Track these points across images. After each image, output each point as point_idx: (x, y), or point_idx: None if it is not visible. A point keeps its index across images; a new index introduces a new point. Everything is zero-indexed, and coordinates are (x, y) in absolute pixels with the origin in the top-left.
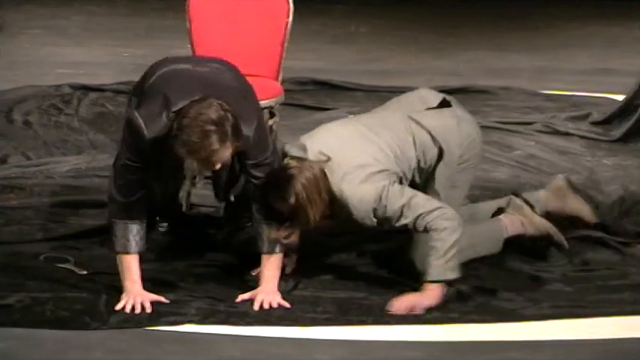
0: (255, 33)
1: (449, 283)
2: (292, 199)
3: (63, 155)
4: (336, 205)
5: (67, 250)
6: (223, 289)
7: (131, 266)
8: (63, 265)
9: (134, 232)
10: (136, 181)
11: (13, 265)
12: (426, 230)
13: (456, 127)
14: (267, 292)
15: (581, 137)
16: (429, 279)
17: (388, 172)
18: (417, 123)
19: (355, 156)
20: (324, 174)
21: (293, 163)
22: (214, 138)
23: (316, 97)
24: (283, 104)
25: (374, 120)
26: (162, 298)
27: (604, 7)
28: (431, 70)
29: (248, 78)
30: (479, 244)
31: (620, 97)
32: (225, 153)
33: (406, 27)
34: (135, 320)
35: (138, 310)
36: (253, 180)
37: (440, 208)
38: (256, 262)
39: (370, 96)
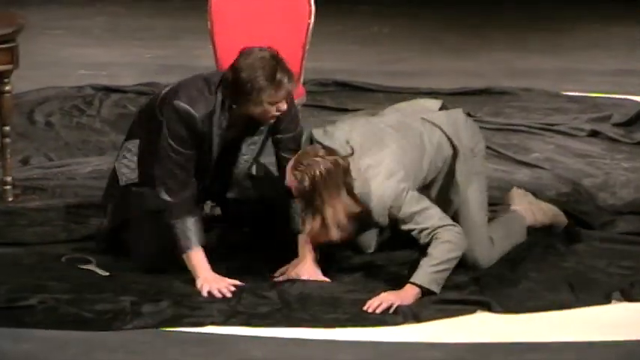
0: (277, 34)
1: (423, 294)
2: (307, 183)
3: (85, 156)
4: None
5: (88, 252)
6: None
7: (199, 259)
8: (85, 267)
9: (191, 228)
10: (185, 176)
11: (35, 267)
12: (428, 244)
13: (464, 121)
14: (306, 270)
15: (603, 139)
16: (416, 281)
17: (407, 175)
18: (431, 123)
19: (379, 153)
20: (348, 169)
21: (321, 151)
22: (280, 71)
23: (338, 98)
24: (305, 105)
25: (393, 121)
26: (238, 282)
27: (627, 8)
28: (453, 71)
29: None
30: (513, 235)
31: None
32: (292, 87)
33: (429, 28)
34: (157, 321)
35: (229, 295)
36: (290, 156)
37: (451, 225)
38: (275, 258)
39: (392, 97)
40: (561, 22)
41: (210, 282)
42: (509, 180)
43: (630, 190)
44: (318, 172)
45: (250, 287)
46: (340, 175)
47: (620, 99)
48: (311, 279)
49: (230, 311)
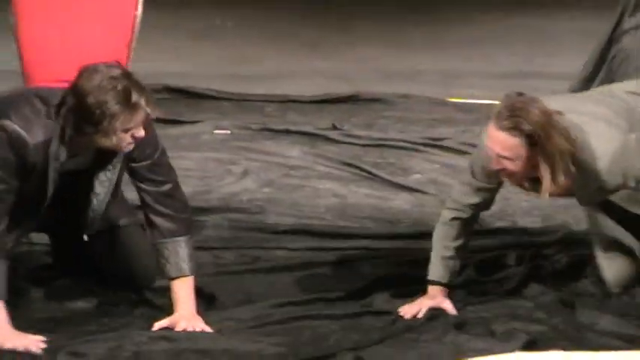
0: (97, 29)
1: None
2: (527, 125)
3: None
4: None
5: None
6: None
7: None
8: None
9: None
10: (2, 211)
11: None
12: None
13: None
14: (187, 317)
15: None
16: None
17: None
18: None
19: (586, 106)
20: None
21: (513, 95)
22: (135, 91)
23: (173, 108)
24: None
25: (590, 93)
26: (41, 337)
27: None
28: (313, 72)
29: None
30: None
31: None
32: (151, 108)
33: (283, 20)
34: None
35: (38, 351)
36: (150, 187)
37: None
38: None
39: (241, 106)
40: (448, 12)
41: (12, 339)
42: (384, 208)
43: (535, 219)
44: (535, 110)
45: (64, 344)
46: (554, 115)
47: None
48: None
49: (111, 352)
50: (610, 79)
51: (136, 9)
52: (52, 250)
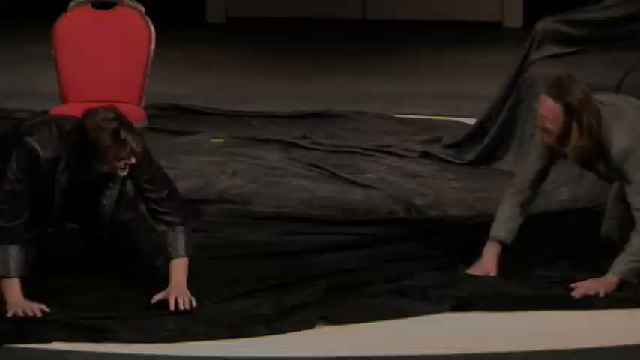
0: (119, 60)
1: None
2: (571, 98)
3: None
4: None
5: None
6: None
7: (13, 286)
8: None
9: (14, 256)
10: (21, 206)
11: None
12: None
13: None
14: (178, 290)
15: (433, 160)
16: (615, 273)
17: None
18: None
19: (622, 104)
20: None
21: (568, 76)
22: (124, 130)
23: (178, 122)
24: (146, 129)
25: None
26: (44, 307)
27: (458, 33)
28: (290, 95)
29: (112, 103)
30: None
31: (472, 121)
32: (136, 144)
33: (267, 54)
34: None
35: (30, 314)
36: (151, 195)
37: None
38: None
39: (232, 121)
40: (394, 48)
41: (18, 306)
42: (343, 200)
43: (461, 209)
44: (576, 88)
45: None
46: (591, 96)
47: (450, 121)
48: None
49: (74, 328)
50: (520, 99)
51: (150, 45)
52: (81, 237)
